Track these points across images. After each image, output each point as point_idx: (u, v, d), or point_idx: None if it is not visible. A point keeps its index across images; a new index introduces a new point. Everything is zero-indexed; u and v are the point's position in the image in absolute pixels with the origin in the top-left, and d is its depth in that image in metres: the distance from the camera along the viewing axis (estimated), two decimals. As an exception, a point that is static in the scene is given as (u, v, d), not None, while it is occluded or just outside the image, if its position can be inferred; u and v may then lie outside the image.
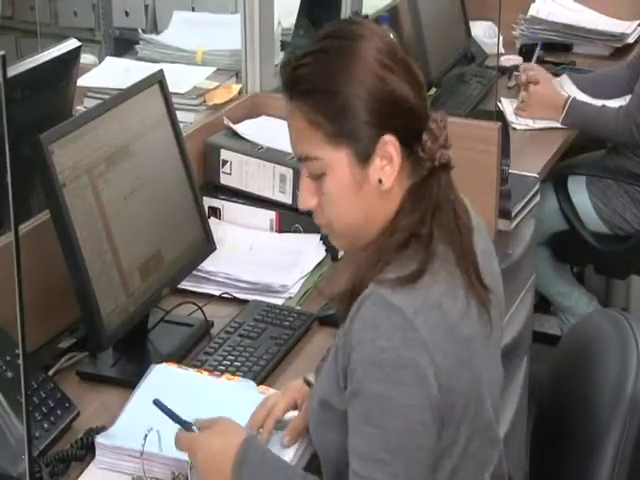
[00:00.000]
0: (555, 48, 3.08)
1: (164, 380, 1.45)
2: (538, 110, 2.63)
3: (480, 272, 1.17)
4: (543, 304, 2.85)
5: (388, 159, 1.15)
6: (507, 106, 2.69)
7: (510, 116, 2.63)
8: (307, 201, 1.20)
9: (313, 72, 1.16)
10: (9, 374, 1.33)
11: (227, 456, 1.19)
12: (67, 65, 1.75)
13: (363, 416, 1.09)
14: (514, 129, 2.56)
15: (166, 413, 1.27)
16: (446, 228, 1.15)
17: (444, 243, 1.15)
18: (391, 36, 1.24)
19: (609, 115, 2.55)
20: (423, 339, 1.08)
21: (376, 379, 1.08)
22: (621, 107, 2.55)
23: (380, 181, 1.16)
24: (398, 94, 1.14)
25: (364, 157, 1.15)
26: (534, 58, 2.91)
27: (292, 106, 1.17)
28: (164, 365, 1.48)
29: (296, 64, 1.17)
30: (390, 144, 1.14)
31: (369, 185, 1.16)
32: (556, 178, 2.65)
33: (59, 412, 1.39)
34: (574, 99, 2.61)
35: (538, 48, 2.94)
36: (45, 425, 1.36)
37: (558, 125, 2.61)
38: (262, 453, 1.21)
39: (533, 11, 3.09)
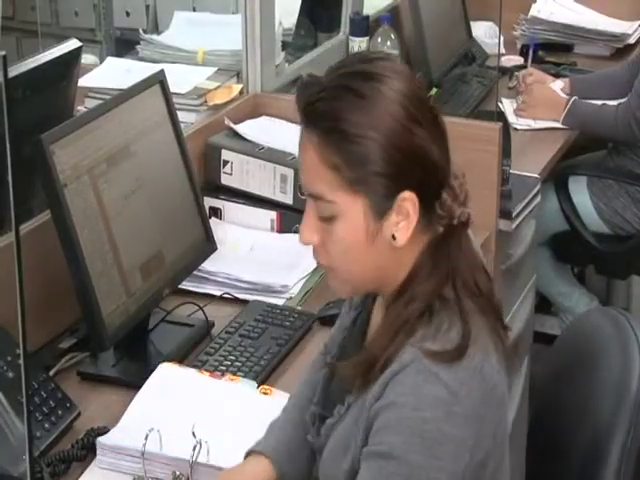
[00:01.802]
0: (556, 48, 3.09)
1: (166, 380, 1.45)
2: (539, 110, 2.63)
3: (504, 324, 1.13)
4: (544, 304, 2.85)
5: (405, 215, 1.08)
6: (508, 106, 2.69)
7: (511, 116, 2.63)
8: (310, 237, 1.12)
9: (336, 110, 1.07)
10: (10, 374, 1.33)
11: None
12: (68, 65, 1.75)
13: (385, 477, 1.05)
14: (515, 129, 2.56)
15: None
16: (466, 289, 1.10)
17: (467, 299, 1.10)
18: (417, 78, 1.13)
19: (609, 112, 2.56)
20: (466, 413, 1.05)
21: (416, 450, 1.04)
22: (620, 103, 2.56)
23: (394, 237, 1.09)
24: (423, 150, 1.07)
25: (380, 210, 1.08)
26: (529, 60, 2.92)
27: (307, 137, 1.09)
28: (166, 365, 1.48)
29: (317, 97, 1.08)
30: (409, 201, 1.07)
31: (382, 239, 1.09)
32: (557, 178, 2.65)
33: (60, 412, 1.39)
34: (576, 99, 2.61)
35: (532, 50, 2.94)
36: (46, 425, 1.36)
37: (559, 125, 2.61)
38: None
39: (534, 11, 3.09)
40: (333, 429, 1.16)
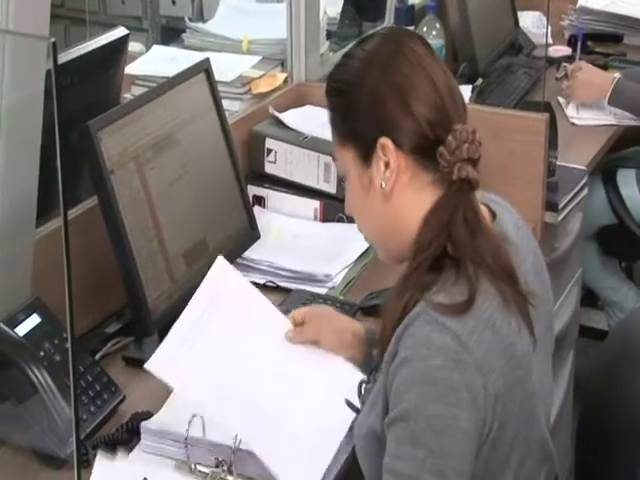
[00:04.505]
0: (605, 39, 3.03)
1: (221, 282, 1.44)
2: (584, 92, 2.58)
3: (519, 285, 1.13)
4: (591, 298, 2.81)
5: (387, 163, 1.15)
6: (564, 103, 2.64)
7: (568, 111, 2.58)
8: (346, 206, 1.23)
9: (338, 73, 1.20)
10: (57, 357, 1.35)
11: None
12: (115, 53, 1.77)
13: (409, 438, 1.05)
14: (573, 124, 2.51)
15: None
16: (462, 247, 1.11)
17: (468, 259, 1.11)
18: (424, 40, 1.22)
19: None
20: (476, 361, 1.06)
21: (431, 399, 1.05)
22: None
23: (382, 186, 1.16)
24: (408, 108, 1.14)
25: (366, 159, 1.16)
26: (578, 51, 2.86)
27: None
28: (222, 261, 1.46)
29: (336, 63, 1.22)
30: (386, 147, 1.14)
31: (375, 190, 1.17)
32: (605, 171, 2.61)
33: (105, 396, 1.41)
34: (620, 78, 2.56)
35: (580, 41, 2.89)
36: (92, 408, 1.38)
37: (615, 122, 2.55)
38: None
39: (583, 1, 3.05)
40: (369, 394, 1.18)
